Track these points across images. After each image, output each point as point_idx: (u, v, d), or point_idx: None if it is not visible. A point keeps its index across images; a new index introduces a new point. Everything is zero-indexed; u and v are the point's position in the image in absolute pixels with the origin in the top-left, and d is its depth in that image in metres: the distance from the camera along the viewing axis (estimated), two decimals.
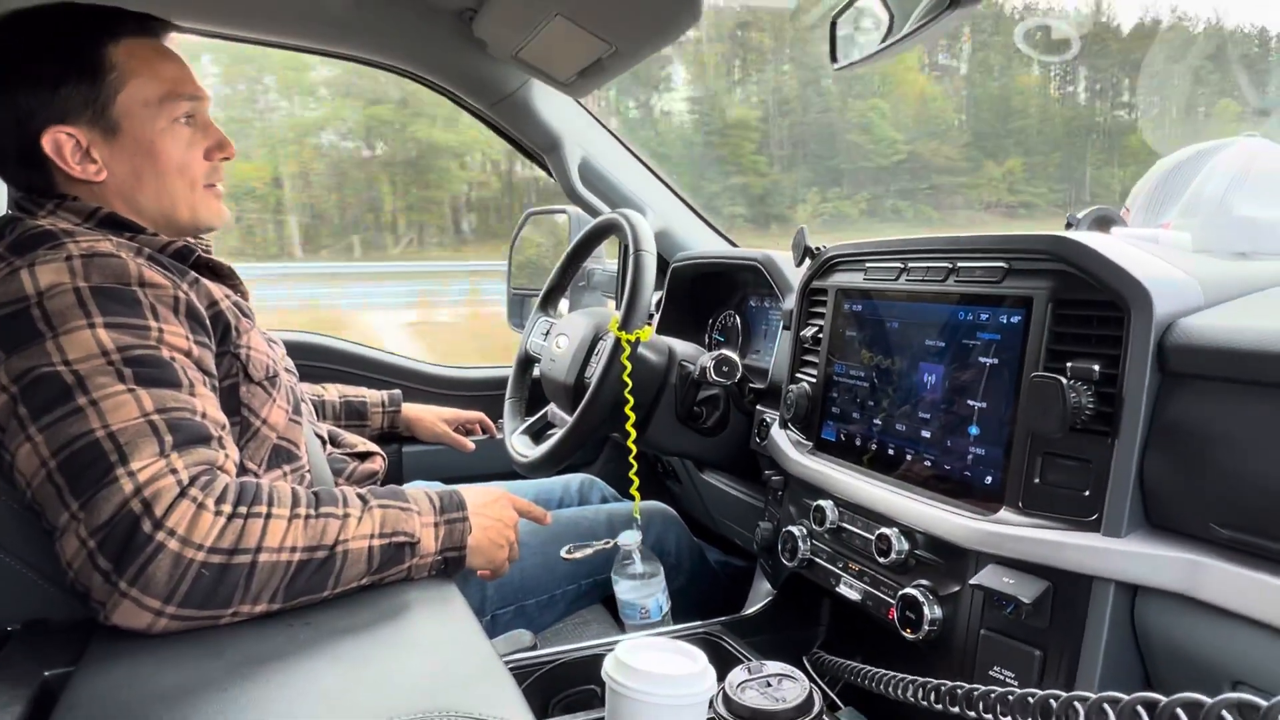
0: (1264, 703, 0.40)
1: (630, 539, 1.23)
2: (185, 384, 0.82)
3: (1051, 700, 0.54)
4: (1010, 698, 0.59)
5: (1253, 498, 0.65)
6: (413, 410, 1.62)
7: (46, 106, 0.89)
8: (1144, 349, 0.72)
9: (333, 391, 1.52)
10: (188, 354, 0.84)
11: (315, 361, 1.80)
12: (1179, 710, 0.44)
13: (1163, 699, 0.45)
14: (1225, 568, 0.65)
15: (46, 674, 0.72)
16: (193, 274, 0.92)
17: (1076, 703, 0.52)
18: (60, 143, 0.89)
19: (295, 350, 1.38)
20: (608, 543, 1.24)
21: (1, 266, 0.82)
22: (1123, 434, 0.73)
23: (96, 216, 0.91)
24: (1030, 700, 0.57)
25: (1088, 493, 0.75)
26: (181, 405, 0.80)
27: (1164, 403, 0.72)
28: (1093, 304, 0.78)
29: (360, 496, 0.86)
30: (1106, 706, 0.49)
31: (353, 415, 1.53)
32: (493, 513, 0.98)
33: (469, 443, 1.64)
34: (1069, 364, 0.77)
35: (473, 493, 0.97)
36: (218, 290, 0.94)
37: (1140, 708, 0.47)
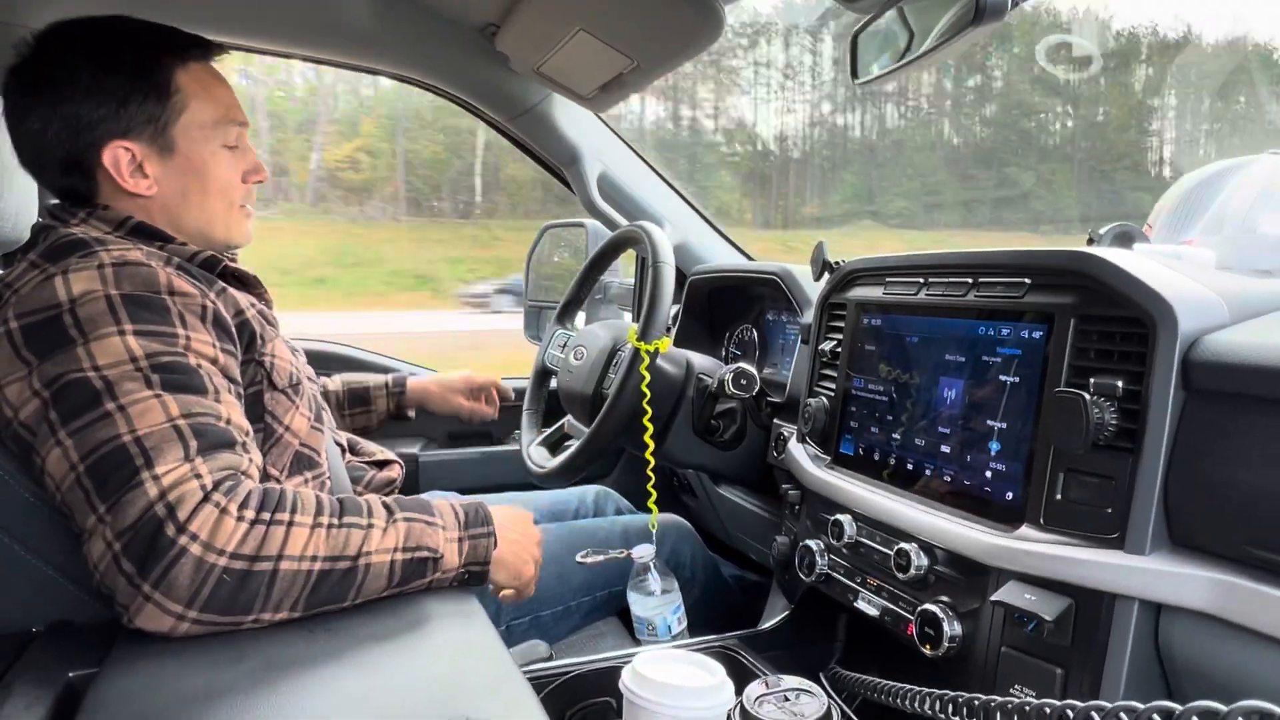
0: (1279, 710, 0.40)
1: (645, 552, 1.23)
2: (211, 390, 0.82)
3: (1069, 711, 0.54)
4: (1027, 708, 0.59)
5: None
6: (418, 383, 1.56)
7: (111, 120, 0.91)
8: (1169, 365, 0.72)
9: (336, 381, 1.51)
10: (214, 361, 0.85)
11: (332, 371, 1.81)
12: (1195, 719, 0.44)
13: (1179, 707, 0.45)
14: (1253, 588, 0.64)
15: (71, 675, 0.73)
16: (220, 283, 0.93)
17: (1094, 713, 0.52)
18: (119, 156, 0.92)
19: (312, 359, 1.39)
20: (623, 552, 1.24)
21: (35, 274, 0.83)
22: (1146, 451, 0.73)
23: (126, 225, 0.92)
24: (1048, 711, 0.56)
25: (1110, 509, 0.75)
26: (207, 411, 0.80)
27: (1188, 420, 0.72)
28: (1116, 320, 0.77)
29: (386, 507, 0.86)
30: (1124, 715, 0.48)
31: (356, 402, 1.51)
32: (519, 529, 0.98)
33: (489, 410, 1.61)
34: (1092, 380, 0.76)
35: (498, 509, 0.97)
36: (243, 299, 0.95)
37: (1157, 716, 0.47)
